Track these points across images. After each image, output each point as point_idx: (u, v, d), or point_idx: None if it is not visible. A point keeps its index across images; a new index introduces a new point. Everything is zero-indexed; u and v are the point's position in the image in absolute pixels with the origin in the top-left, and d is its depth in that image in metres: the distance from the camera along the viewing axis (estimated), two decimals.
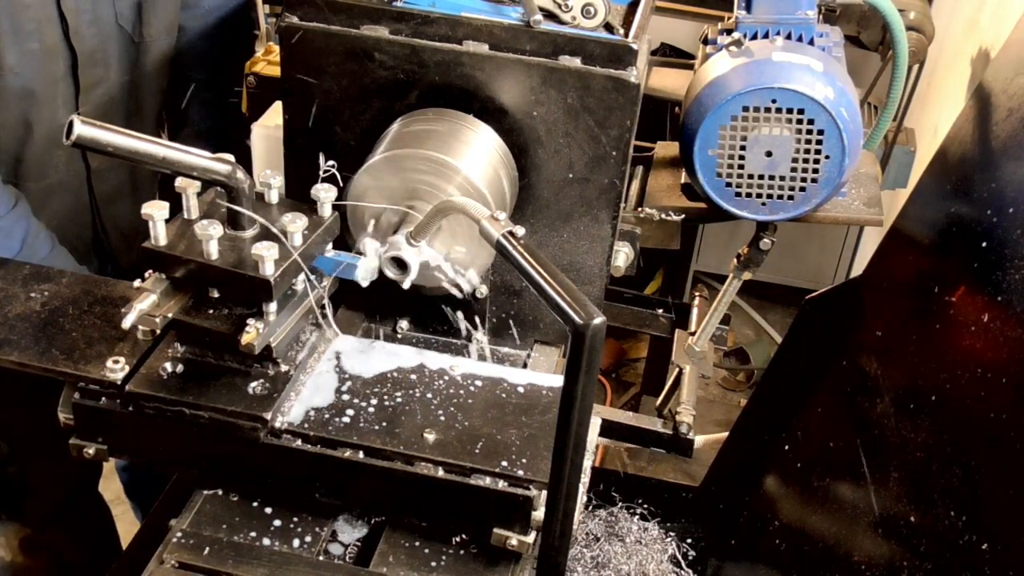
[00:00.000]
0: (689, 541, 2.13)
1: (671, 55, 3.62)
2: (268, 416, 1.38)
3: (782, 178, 1.61)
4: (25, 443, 2.27)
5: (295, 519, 1.48)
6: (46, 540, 2.46)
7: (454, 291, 1.53)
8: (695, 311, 2.14)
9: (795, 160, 1.59)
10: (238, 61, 2.27)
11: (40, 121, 2.05)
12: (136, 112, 2.22)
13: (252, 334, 1.33)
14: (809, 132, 1.56)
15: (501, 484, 1.36)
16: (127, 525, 2.90)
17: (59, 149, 2.11)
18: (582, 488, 1.38)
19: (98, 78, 2.10)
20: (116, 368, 1.41)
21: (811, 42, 1.66)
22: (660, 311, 2.19)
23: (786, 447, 2.03)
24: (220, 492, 1.52)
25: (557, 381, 1.48)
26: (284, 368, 1.44)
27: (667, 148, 2.03)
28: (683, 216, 1.83)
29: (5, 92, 1.98)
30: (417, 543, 1.47)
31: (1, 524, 2.39)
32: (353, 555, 1.49)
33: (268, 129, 1.98)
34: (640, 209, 1.85)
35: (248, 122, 2.07)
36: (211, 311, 1.38)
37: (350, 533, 1.52)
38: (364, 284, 1.40)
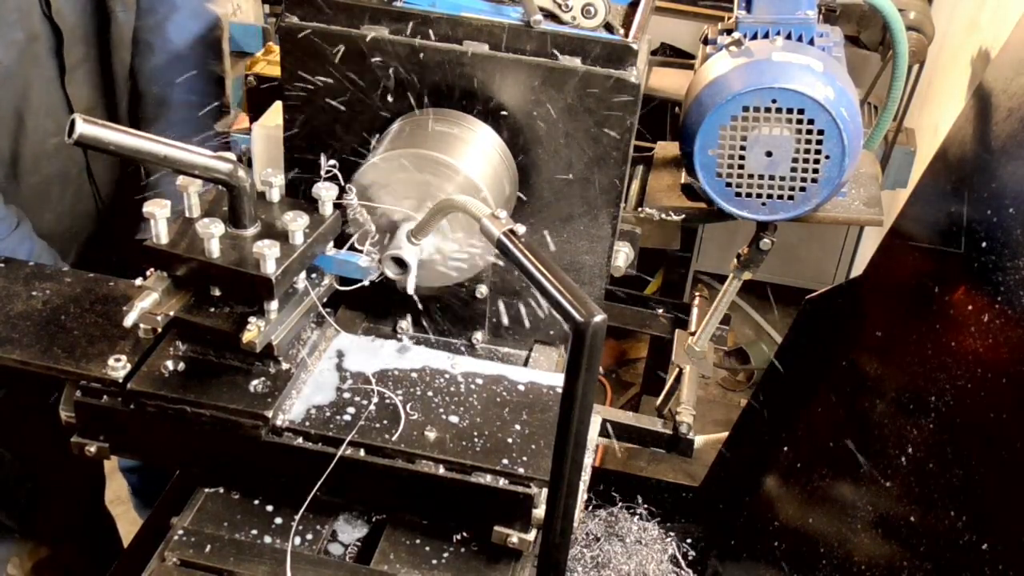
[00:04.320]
0: (689, 541, 2.13)
1: (671, 55, 3.62)
2: (269, 414, 1.39)
3: (782, 178, 1.61)
4: (38, 460, 2.27)
5: (296, 517, 1.48)
6: (57, 557, 2.48)
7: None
8: (695, 311, 2.14)
9: (795, 160, 1.59)
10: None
11: (30, 111, 2.05)
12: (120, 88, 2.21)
13: (253, 332, 1.33)
14: (809, 132, 1.56)
15: (502, 482, 1.37)
16: (128, 525, 2.90)
17: (52, 137, 2.11)
18: (582, 486, 1.38)
19: (81, 56, 2.09)
20: (118, 366, 1.42)
21: (811, 42, 1.66)
22: (660, 311, 2.19)
23: (786, 447, 2.03)
24: (221, 490, 1.53)
25: (558, 379, 1.49)
26: (285, 366, 1.45)
27: (667, 148, 2.03)
28: (683, 216, 1.83)
29: None
30: (418, 541, 1.47)
31: (16, 543, 2.41)
32: (353, 555, 1.50)
33: (268, 129, 1.97)
34: (640, 209, 1.85)
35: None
36: (212, 309, 1.38)
37: (350, 533, 1.52)
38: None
